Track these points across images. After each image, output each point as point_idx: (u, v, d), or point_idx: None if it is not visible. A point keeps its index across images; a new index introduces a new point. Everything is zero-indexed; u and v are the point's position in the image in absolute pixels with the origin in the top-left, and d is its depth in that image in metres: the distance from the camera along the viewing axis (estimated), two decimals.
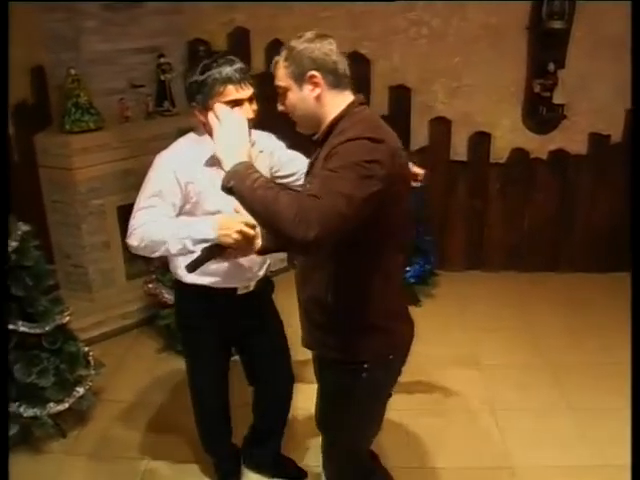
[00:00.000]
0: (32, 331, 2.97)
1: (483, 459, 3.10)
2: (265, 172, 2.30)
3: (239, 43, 4.59)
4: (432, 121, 4.67)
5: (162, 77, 4.24)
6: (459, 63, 4.50)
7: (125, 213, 4.17)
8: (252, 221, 1.98)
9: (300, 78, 1.93)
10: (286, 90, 1.98)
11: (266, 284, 2.63)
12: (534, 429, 3.28)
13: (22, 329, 2.95)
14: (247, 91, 2.19)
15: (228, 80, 2.15)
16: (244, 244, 2.09)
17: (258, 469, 3.01)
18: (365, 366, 2.02)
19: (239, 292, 2.49)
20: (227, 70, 2.16)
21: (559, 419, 3.36)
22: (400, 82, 4.59)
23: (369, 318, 2.00)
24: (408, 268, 4.44)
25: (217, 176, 2.04)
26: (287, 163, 2.60)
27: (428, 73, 4.53)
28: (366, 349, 2.01)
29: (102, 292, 4.23)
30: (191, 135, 2.40)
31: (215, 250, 2.10)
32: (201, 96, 2.18)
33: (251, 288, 2.52)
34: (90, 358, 3.29)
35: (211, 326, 2.50)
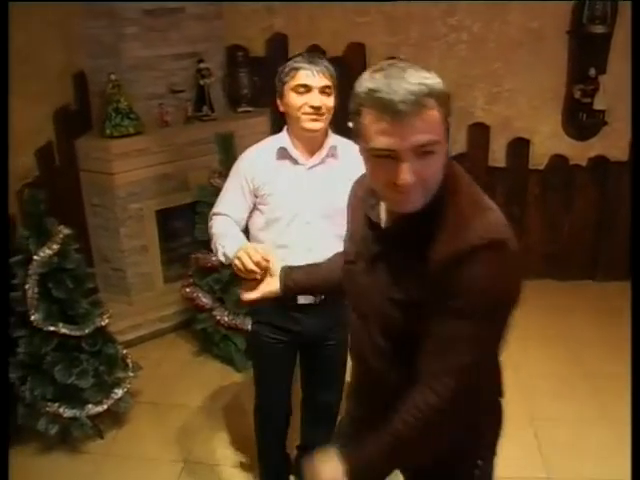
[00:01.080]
0: (72, 333, 3.03)
1: (520, 469, 3.06)
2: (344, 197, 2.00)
3: (277, 49, 4.63)
4: (471, 127, 4.65)
5: (201, 82, 4.28)
6: (499, 68, 4.47)
7: (163, 217, 4.27)
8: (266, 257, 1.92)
9: None
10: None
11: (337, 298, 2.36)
12: (572, 440, 3.24)
13: (63, 331, 3.00)
14: (320, 80, 2.24)
15: (300, 67, 2.24)
16: (243, 275, 1.96)
17: None
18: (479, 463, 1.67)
19: (299, 302, 2.41)
20: (303, 60, 2.26)
21: (598, 430, 3.32)
22: None
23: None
24: None
25: (286, 172, 2.31)
26: None
27: (467, 79, 4.50)
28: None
29: (140, 295, 4.29)
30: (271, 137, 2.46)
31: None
32: (279, 83, 2.30)
33: (312, 301, 2.43)
34: (128, 360, 3.34)
35: (273, 332, 2.50)
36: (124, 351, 3.35)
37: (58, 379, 3.00)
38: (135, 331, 4.11)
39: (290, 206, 2.32)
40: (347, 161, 2.25)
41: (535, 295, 4.62)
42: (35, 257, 2.92)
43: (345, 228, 1.86)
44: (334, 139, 2.34)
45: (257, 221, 2.39)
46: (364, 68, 4.63)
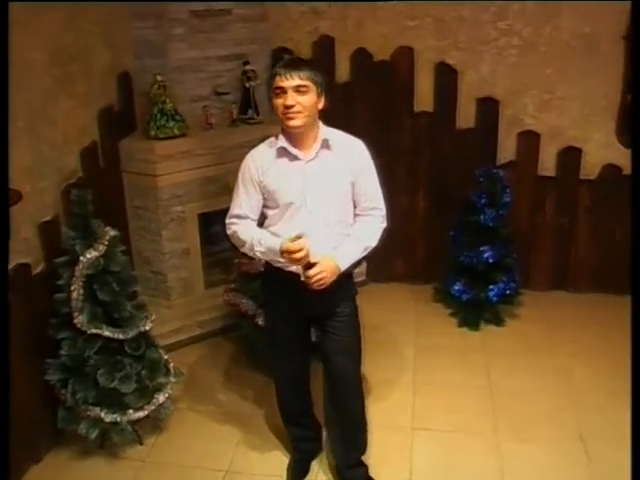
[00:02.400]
0: (116, 336, 3.02)
1: None
2: (340, 185, 2.62)
3: (324, 52, 4.60)
4: (520, 134, 4.56)
5: (247, 84, 4.26)
6: (551, 75, 4.38)
7: (206, 220, 4.26)
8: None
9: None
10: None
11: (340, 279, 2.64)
12: (628, 460, 3.14)
13: (106, 334, 3.00)
14: (292, 81, 2.44)
15: (276, 72, 2.49)
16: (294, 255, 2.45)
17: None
18: None
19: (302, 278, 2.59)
20: (280, 65, 2.51)
21: None
22: (488, 94, 4.51)
23: None
24: (491, 287, 4.35)
25: (287, 168, 2.57)
26: (359, 196, 2.71)
27: (518, 85, 4.43)
28: None
29: (180, 299, 4.28)
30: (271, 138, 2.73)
31: None
32: (268, 89, 2.59)
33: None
34: (170, 366, 3.31)
35: (282, 303, 2.76)
36: (166, 356, 3.32)
37: (101, 383, 2.99)
38: (174, 336, 4.10)
39: (293, 198, 2.57)
40: (340, 151, 2.61)
41: (585, 309, 4.56)
42: (81, 258, 2.91)
43: (343, 211, 2.63)
44: (326, 133, 2.61)
45: (268, 211, 2.68)
46: (412, 73, 4.65)
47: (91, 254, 2.93)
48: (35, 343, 3.10)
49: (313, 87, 2.49)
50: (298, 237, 2.44)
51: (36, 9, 3.08)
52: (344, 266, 2.60)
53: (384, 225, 2.76)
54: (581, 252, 4.73)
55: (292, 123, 2.50)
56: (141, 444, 3.31)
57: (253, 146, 3.98)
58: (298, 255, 2.42)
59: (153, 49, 4.10)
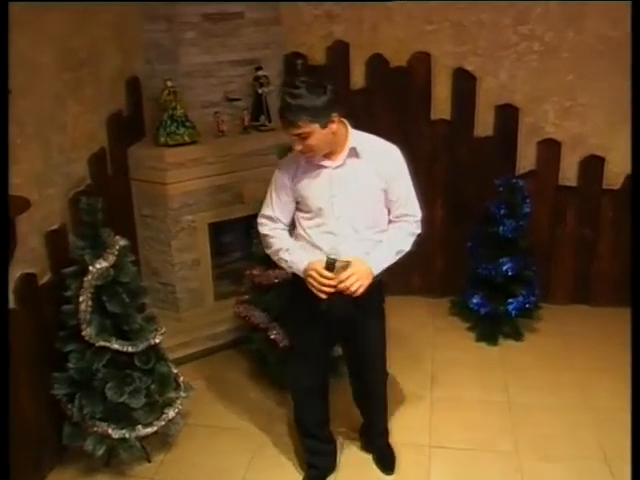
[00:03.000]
0: (125, 349, 2.99)
1: None
2: (368, 191, 2.69)
3: (338, 57, 4.59)
4: (540, 143, 4.53)
5: (259, 90, 4.25)
6: (573, 80, 4.35)
7: (216, 230, 4.24)
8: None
9: None
10: None
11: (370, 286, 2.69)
12: None
13: (115, 346, 2.97)
14: (290, 131, 2.55)
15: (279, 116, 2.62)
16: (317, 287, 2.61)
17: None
18: None
19: None
20: (280, 104, 2.56)
21: None
22: (507, 101, 4.48)
23: None
24: (510, 300, 4.32)
25: (315, 175, 2.66)
26: (392, 202, 2.76)
27: (538, 91, 4.40)
28: None
29: (190, 312, 4.25)
30: None
31: None
32: None
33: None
34: (180, 380, 3.28)
35: (308, 314, 2.78)
36: (175, 370, 3.29)
37: (109, 397, 2.96)
38: (184, 349, 4.07)
39: (322, 204, 2.66)
40: (370, 158, 2.66)
41: (606, 323, 4.51)
42: (91, 268, 2.89)
43: (373, 217, 2.71)
44: (355, 140, 2.66)
45: (300, 214, 2.78)
46: (429, 79, 4.62)
47: (101, 264, 2.90)
48: (41, 356, 3.08)
49: (314, 126, 2.51)
50: (330, 262, 2.58)
51: (44, 10, 3.08)
52: (377, 270, 2.67)
53: (418, 231, 2.83)
54: (603, 265, 4.69)
55: (310, 160, 2.65)
56: (149, 461, 3.28)
57: (265, 154, 4.04)
58: (325, 287, 2.58)
59: (163, 53, 4.10)
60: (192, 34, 4.07)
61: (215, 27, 4.12)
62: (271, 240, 2.80)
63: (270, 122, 4.31)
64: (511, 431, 3.50)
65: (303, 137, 2.52)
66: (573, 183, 4.60)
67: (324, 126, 2.52)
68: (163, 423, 3.16)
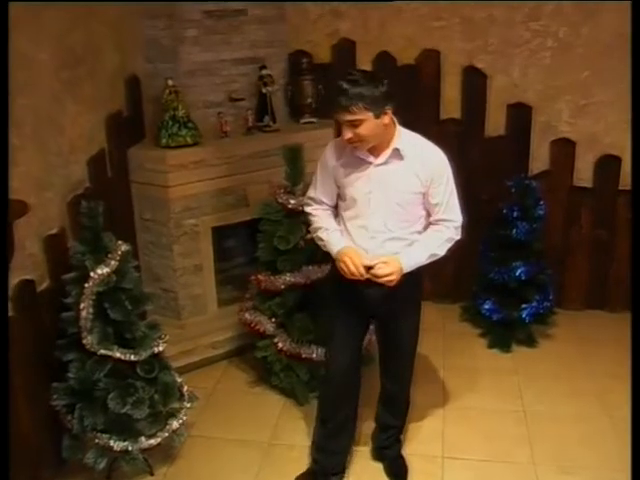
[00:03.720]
0: (128, 358, 2.97)
1: None
2: (405, 193, 2.74)
3: (344, 55, 4.58)
4: (554, 142, 4.52)
5: (263, 90, 4.23)
6: (588, 78, 4.34)
7: (220, 234, 4.22)
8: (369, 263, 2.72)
9: None
10: None
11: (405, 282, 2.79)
12: None
13: (117, 355, 2.94)
14: (344, 117, 2.57)
15: (334, 101, 2.61)
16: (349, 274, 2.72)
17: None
18: None
19: None
20: (336, 90, 2.59)
21: None
22: (520, 99, 4.47)
23: None
24: (524, 305, 4.29)
25: (356, 167, 2.74)
26: (431, 206, 2.82)
27: (552, 89, 4.39)
28: None
29: (192, 319, 4.24)
30: None
31: None
32: None
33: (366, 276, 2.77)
34: (184, 390, 3.26)
35: (341, 295, 2.93)
36: (179, 379, 3.27)
37: (111, 408, 2.93)
38: (186, 357, 4.04)
39: (358, 197, 2.75)
40: (413, 160, 2.70)
41: (624, 329, 4.43)
42: (92, 274, 2.86)
43: (407, 218, 2.77)
44: (400, 140, 2.71)
45: (341, 204, 2.89)
46: (438, 77, 4.61)
47: (102, 270, 2.88)
48: (39, 366, 3.05)
49: (368, 115, 2.55)
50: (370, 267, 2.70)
51: (41, 6, 3.06)
52: (407, 268, 2.74)
53: (457, 237, 2.87)
54: (619, 268, 4.66)
55: (356, 152, 2.70)
56: (152, 474, 3.25)
57: (270, 155, 4.03)
58: (355, 275, 2.71)
59: (164, 52, 4.08)
60: (193, 32, 4.05)
61: (217, 24, 4.10)
62: (312, 219, 2.95)
63: (275, 122, 4.30)
64: (527, 441, 3.47)
65: (355, 125, 2.55)
66: (588, 184, 4.58)
67: (377, 116, 2.57)
68: (167, 434, 3.13)
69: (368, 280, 2.72)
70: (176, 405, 3.20)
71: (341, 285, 2.86)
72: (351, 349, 3.02)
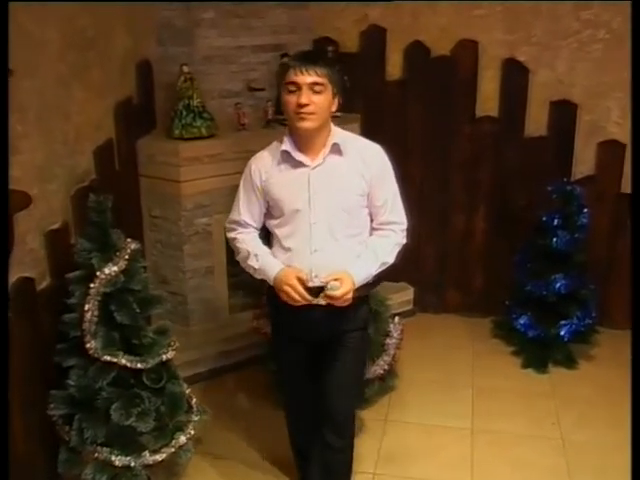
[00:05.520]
0: (134, 365, 2.96)
1: None
2: (350, 195, 2.67)
3: (373, 44, 4.59)
4: (601, 144, 4.50)
5: None
6: None
7: None
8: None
9: None
10: None
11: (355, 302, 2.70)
12: None
13: (123, 362, 2.94)
14: (307, 77, 2.49)
15: (290, 64, 2.55)
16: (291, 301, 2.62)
17: None
18: None
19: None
20: (295, 57, 2.59)
21: None
22: (564, 96, 4.46)
23: None
24: (563, 322, 4.27)
25: (291, 174, 2.64)
26: (376, 208, 2.75)
27: (601, 86, 4.36)
28: None
29: (201, 325, 4.26)
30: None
31: None
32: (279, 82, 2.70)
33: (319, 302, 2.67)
34: (193, 402, 3.25)
35: (286, 322, 2.85)
36: (188, 390, 3.27)
37: (114, 419, 2.92)
38: (193, 367, 4.06)
39: (298, 207, 2.64)
40: (353, 157, 2.65)
41: None
42: (99, 274, 2.87)
43: (354, 224, 2.68)
44: (337, 136, 2.66)
45: (271, 221, 2.77)
46: (475, 70, 4.59)
47: (110, 269, 2.88)
48: (36, 371, 3.03)
49: (329, 86, 2.54)
50: (316, 290, 2.63)
51: None
52: (359, 282, 2.64)
53: (404, 241, 2.81)
54: None
55: (304, 124, 2.55)
56: None
57: None
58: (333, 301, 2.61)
59: (178, 35, 4.11)
60: (211, 13, 4.07)
61: (237, 7, 4.11)
62: (238, 245, 2.82)
63: None
64: (565, 472, 3.44)
65: (317, 90, 2.51)
66: None
67: (334, 95, 2.58)
68: (173, 450, 3.11)
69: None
70: (183, 418, 3.18)
71: (280, 310, 2.77)
72: (305, 380, 2.96)
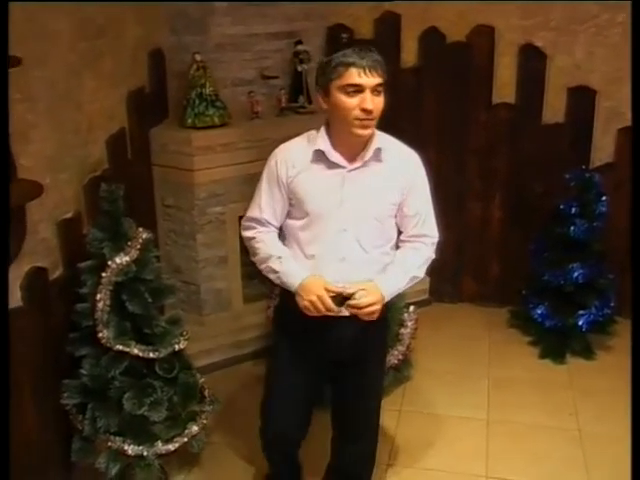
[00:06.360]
0: (146, 355, 2.99)
1: None
2: (384, 204, 2.52)
3: (388, 30, 4.57)
4: (621, 131, 4.45)
5: (299, 68, 4.25)
6: None
7: None
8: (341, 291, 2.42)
9: None
10: None
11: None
12: None
13: (135, 352, 2.96)
14: (372, 79, 2.31)
15: (352, 63, 2.30)
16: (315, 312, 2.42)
17: None
18: None
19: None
20: (353, 55, 2.31)
21: None
22: (582, 82, 4.42)
23: None
24: (581, 312, 4.25)
25: (324, 174, 2.45)
26: (408, 219, 2.61)
27: (621, 72, 4.30)
28: None
29: (214, 315, 4.28)
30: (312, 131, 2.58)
31: None
32: (323, 78, 2.38)
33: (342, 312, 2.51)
34: (206, 392, 3.28)
35: (295, 336, 2.65)
36: (201, 380, 3.29)
37: (127, 409, 2.95)
38: (206, 357, 4.08)
39: (326, 211, 2.46)
40: (392, 164, 2.49)
41: None
42: (110, 263, 2.89)
43: (383, 235, 2.53)
44: (380, 140, 2.48)
45: (292, 222, 2.57)
46: (491, 56, 4.55)
47: (122, 259, 2.90)
48: (49, 361, 3.07)
49: (383, 86, 2.38)
50: (342, 299, 2.43)
51: None
52: (389, 296, 2.52)
53: (434, 256, 2.67)
54: None
55: (365, 132, 2.39)
56: None
57: None
58: (364, 309, 2.43)
59: (191, 23, 4.10)
60: (224, 2, 4.06)
61: None
62: (256, 245, 2.60)
63: (310, 103, 4.30)
64: (582, 464, 3.43)
65: (378, 91, 2.34)
66: None
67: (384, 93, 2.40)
68: (185, 440, 3.15)
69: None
70: (196, 408, 3.22)
71: (297, 322, 2.54)
72: (300, 409, 2.80)
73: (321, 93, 2.40)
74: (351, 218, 2.46)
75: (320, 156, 2.45)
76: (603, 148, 4.51)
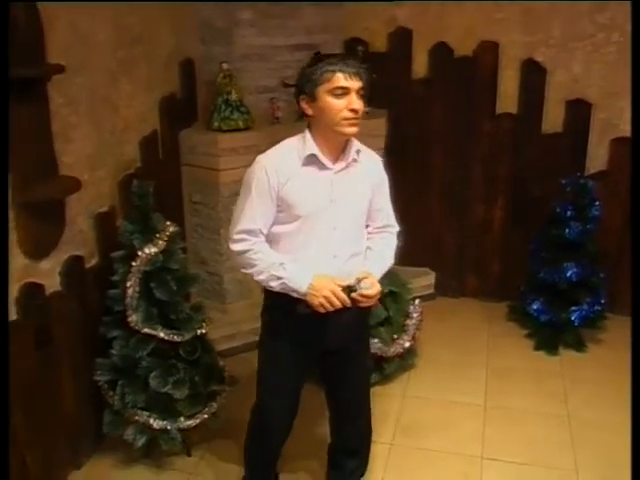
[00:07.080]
0: (171, 338, 3.03)
1: None
2: (363, 200, 2.55)
3: (400, 44, 4.58)
4: (614, 141, 4.45)
5: None
6: None
7: None
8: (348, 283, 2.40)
9: None
10: None
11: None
12: None
13: (161, 335, 3.01)
14: (356, 83, 2.33)
15: (338, 69, 2.32)
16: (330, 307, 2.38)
17: None
18: None
19: None
20: (339, 62, 2.34)
21: None
22: (580, 96, 4.42)
23: None
24: (574, 308, 4.25)
25: (314, 178, 2.41)
26: (377, 212, 2.66)
27: (615, 86, 4.31)
28: None
29: (236, 303, 4.30)
30: (296, 136, 2.54)
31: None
32: (310, 84, 2.36)
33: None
34: (225, 374, 3.31)
35: (290, 329, 2.59)
36: (222, 362, 3.33)
37: (152, 386, 3.01)
38: (228, 342, 4.11)
39: (317, 212, 2.43)
40: (366, 164, 2.53)
41: None
42: (140, 253, 2.94)
43: (362, 228, 2.57)
44: (356, 142, 2.49)
45: (279, 228, 2.48)
46: (495, 70, 4.55)
47: (150, 249, 2.95)
48: (84, 341, 3.15)
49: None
50: (353, 290, 2.41)
51: None
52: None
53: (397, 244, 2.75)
54: None
55: (353, 130, 2.37)
56: (189, 455, 3.32)
57: None
58: (366, 300, 2.45)
59: (218, 34, 4.13)
60: (249, 14, 4.08)
61: (274, 7, 4.13)
62: (254, 257, 2.45)
63: None
64: (570, 447, 3.44)
65: (361, 95, 2.34)
66: None
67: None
68: (206, 416, 3.19)
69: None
70: (216, 388, 3.26)
71: (291, 319, 2.51)
72: (294, 393, 2.79)
73: (306, 99, 2.38)
74: (340, 216, 2.46)
75: (312, 160, 2.42)
76: (597, 157, 4.50)
